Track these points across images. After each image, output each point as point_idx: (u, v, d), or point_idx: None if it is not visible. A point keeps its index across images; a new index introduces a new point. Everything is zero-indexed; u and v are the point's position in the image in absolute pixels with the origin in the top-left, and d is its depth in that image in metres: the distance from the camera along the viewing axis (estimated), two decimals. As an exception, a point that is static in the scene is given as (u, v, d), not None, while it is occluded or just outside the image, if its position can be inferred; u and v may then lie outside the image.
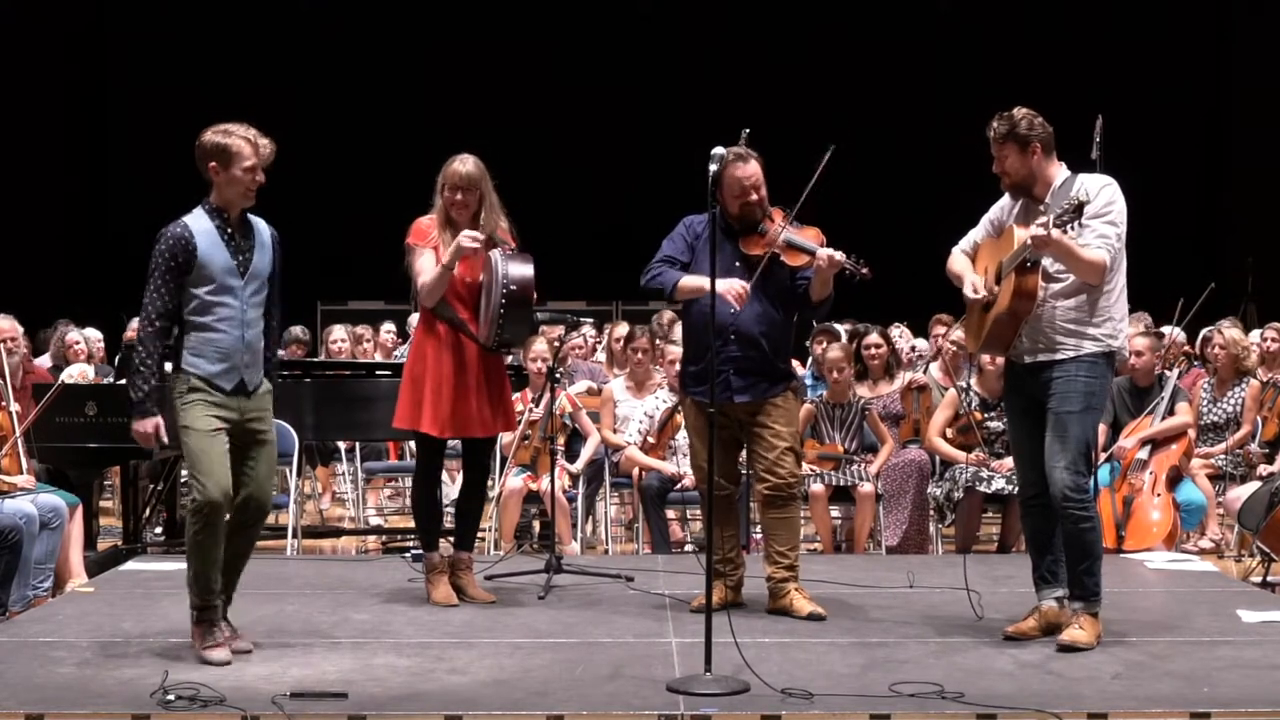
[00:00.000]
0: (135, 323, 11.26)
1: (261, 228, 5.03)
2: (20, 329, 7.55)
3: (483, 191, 5.73)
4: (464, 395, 5.71)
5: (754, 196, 5.52)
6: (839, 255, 5.37)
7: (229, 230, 4.89)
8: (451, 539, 6.14)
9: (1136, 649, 5.02)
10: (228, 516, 4.90)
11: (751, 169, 5.51)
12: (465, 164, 5.72)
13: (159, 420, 4.93)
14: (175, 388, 4.91)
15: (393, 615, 5.62)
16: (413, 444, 8.78)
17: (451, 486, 7.40)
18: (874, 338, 8.19)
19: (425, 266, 5.71)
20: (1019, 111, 5.06)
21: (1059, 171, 5.11)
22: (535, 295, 5.72)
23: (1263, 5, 14.50)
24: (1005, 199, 5.28)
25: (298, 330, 10.67)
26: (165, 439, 5.00)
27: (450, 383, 5.69)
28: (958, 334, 8.10)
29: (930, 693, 4.37)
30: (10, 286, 10.38)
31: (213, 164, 4.85)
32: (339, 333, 10.51)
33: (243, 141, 4.85)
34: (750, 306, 5.50)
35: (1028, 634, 5.14)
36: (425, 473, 5.93)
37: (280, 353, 10.41)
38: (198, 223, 4.86)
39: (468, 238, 5.57)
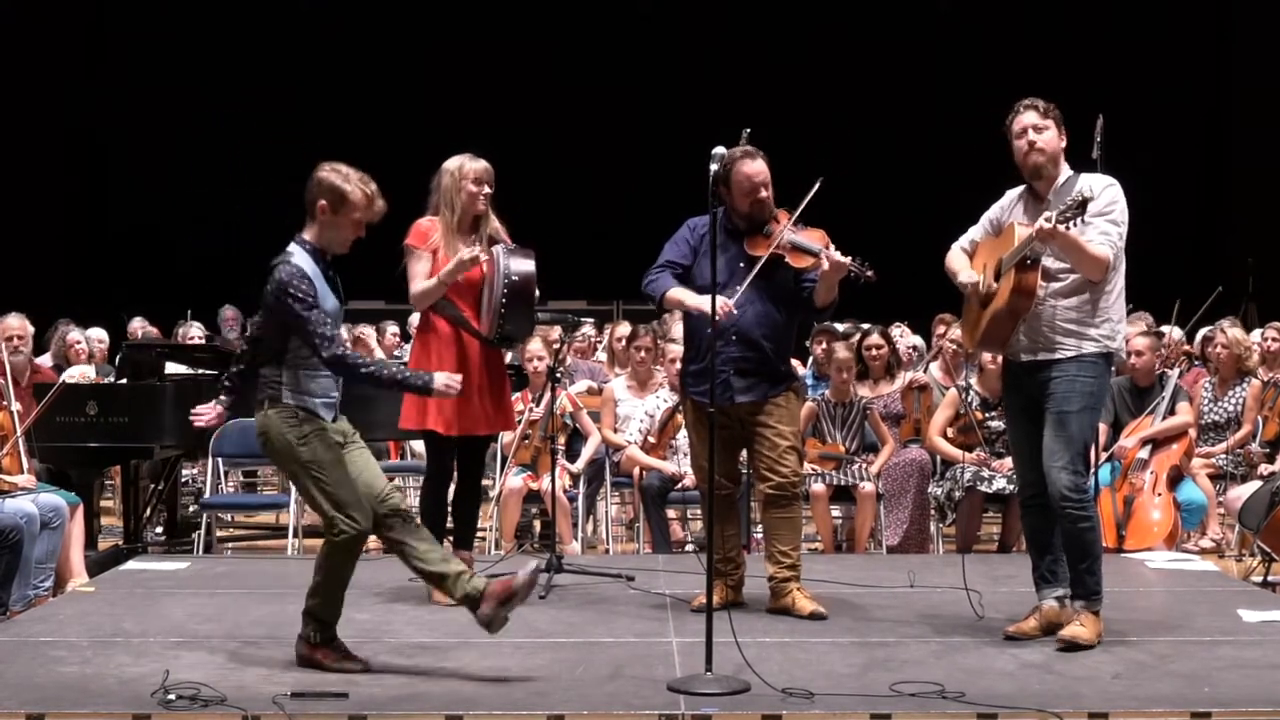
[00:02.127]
0: (136, 321, 11.38)
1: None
2: (31, 328, 7.56)
3: (493, 186, 5.78)
4: (467, 392, 5.70)
5: (763, 194, 5.51)
6: (844, 258, 5.36)
7: (330, 273, 4.78)
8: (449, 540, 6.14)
9: (1137, 649, 5.01)
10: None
11: (760, 166, 5.50)
12: (479, 159, 5.77)
13: (442, 375, 4.84)
14: (283, 422, 4.71)
15: (393, 615, 5.62)
16: (413, 444, 8.81)
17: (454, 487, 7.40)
18: (875, 338, 8.19)
19: (421, 272, 5.71)
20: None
21: (1064, 168, 5.13)
22: (537, 289, 5.72)
23: (1263, 5, 14.50)
24: (1005, 198, 5.28)
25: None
26: None
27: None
28: (956, 332, 8.11)
29: (931, 692, 4.36)
30: (11, 286, 10.38)
31: (323, 203, 4.71)
32: (346, 333, 10.49)
33: (359, 192, 4.71)
34: (752, 308, 5.49)
35: (1028, 634, 5.13)
36: (436, 473, 5.92)
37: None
38: (306, 264, 4.67)
39: (469, 252, 5.58)
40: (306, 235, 4.76)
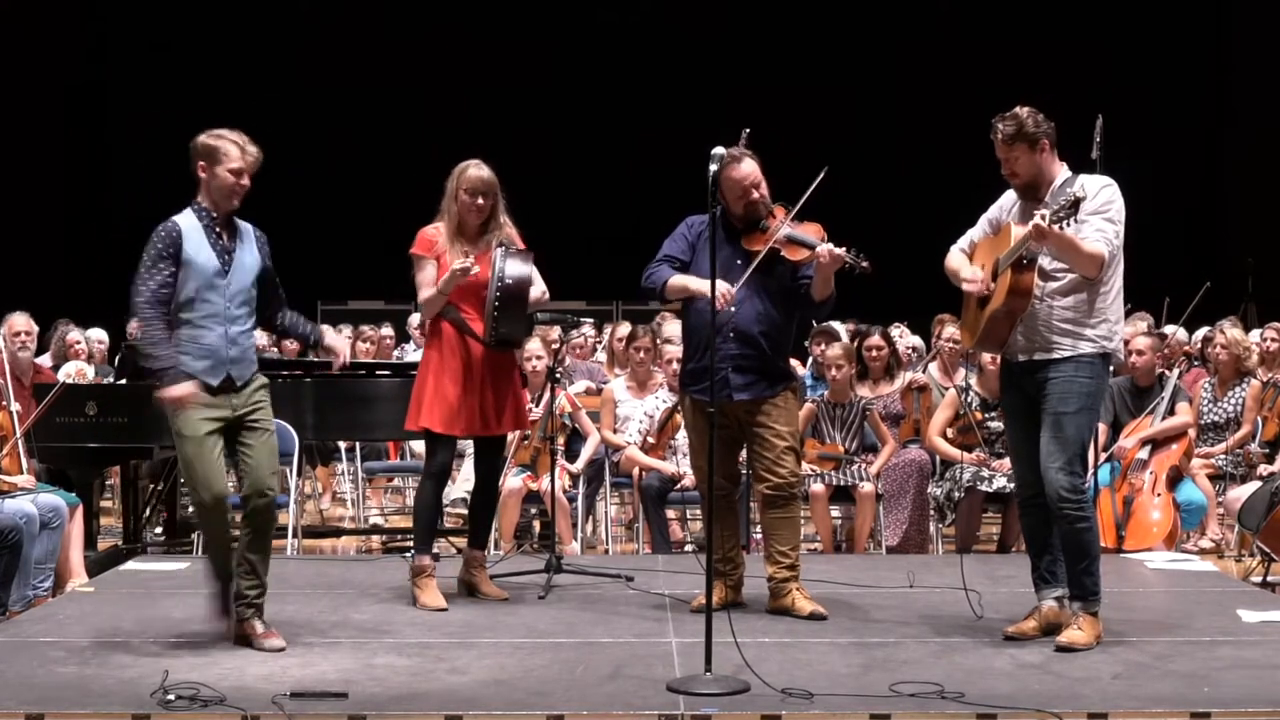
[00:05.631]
0: (136, 322, 11.35)
1: (246, 229, 5.17)
2: (35, 327, 7.59)
3: (495, 197, 5.75)
4: (470, 393, 5.72)
5: (755, 195, 5.51)
6: (839, 250, 5.36)
7: (216, 229, 5.04)
8: (449, 539, 6.14)
9: (1137, 649, 5.02)
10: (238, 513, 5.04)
11: (747, 168, 5.51)
12: (481, 169, 5.75)
13: (188, 383, 4.95)
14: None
15: (393, 615, 5.62)
16: (413, 444, 8.81)
17: (451, 487, 7.40)
18: (875, 339, 8.19)
19: (428, 279, 5.72)
20: (1022, 110, 5.05)
21: (1061, 170, 5.12)
22: (531, 292, 5.71)
23: (1262, 5, 14.50)
24: (1004, 198, 5.28)
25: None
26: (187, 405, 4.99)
27: (458, 381, 5.70)
28: (951, 330, 8.11)
29: (930, 693, 4.37)
30: (11, 286, 10.38)
31: (201, 163, 5.03)
32: (346, 333, 10.50)
33: (230, 144, 5.03)
34: (750, 304, 5.49)
35: (1027, 634, 5.13)
36: (435, 472, 5.92)
37: (274, 350, 10.46)
38: (186, 220, 5.02)
39: (460, 264, 5.57)
40: (198, 198, 5.06)
